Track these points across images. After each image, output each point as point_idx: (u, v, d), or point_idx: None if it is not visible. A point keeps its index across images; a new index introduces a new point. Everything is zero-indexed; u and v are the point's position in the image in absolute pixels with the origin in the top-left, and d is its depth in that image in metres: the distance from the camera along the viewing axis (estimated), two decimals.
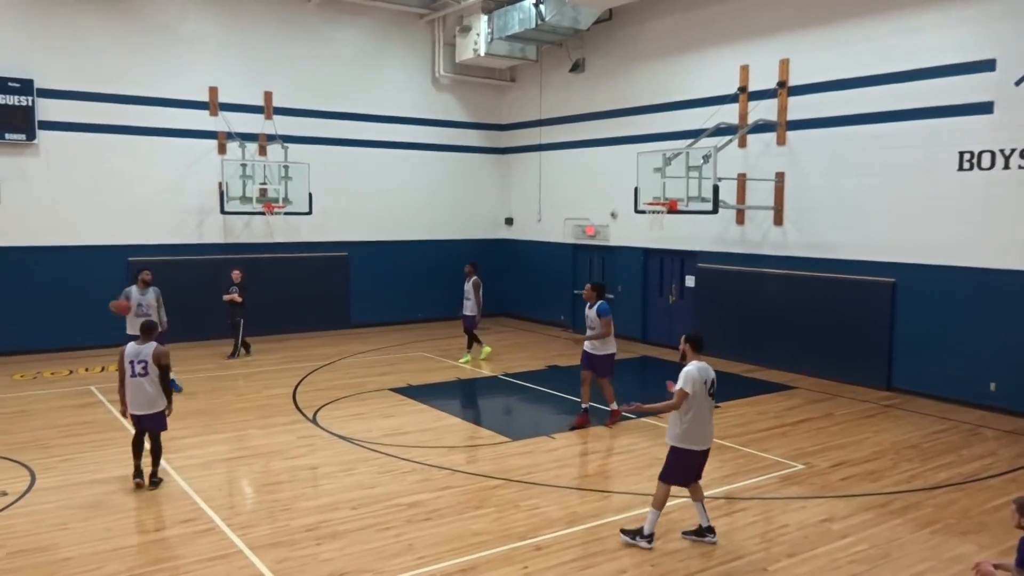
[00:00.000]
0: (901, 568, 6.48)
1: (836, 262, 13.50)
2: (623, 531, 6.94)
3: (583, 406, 10.72)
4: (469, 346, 15.35)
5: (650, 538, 6.76)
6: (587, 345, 10.67)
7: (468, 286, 15.00)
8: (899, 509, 7.78)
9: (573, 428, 10.51)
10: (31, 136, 14.93)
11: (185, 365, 14.35)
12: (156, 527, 7.17)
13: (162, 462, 8.85)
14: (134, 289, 12.00)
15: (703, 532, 6.93)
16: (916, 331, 12.48)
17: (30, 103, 14.85)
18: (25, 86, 14.79)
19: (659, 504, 6.82)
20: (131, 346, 8.14)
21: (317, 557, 6.57)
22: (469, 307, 14.98)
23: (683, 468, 6.85)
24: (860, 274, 13.14)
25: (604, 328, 10.47)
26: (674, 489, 6.91)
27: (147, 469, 8.23)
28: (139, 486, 8.08)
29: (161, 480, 8.23)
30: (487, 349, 15.57)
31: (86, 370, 14.02)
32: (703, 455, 6.89)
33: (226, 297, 14.96)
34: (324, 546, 6.79)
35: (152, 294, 12.02)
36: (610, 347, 10.66)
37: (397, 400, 12.10)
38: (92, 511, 7.55)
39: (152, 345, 8.10)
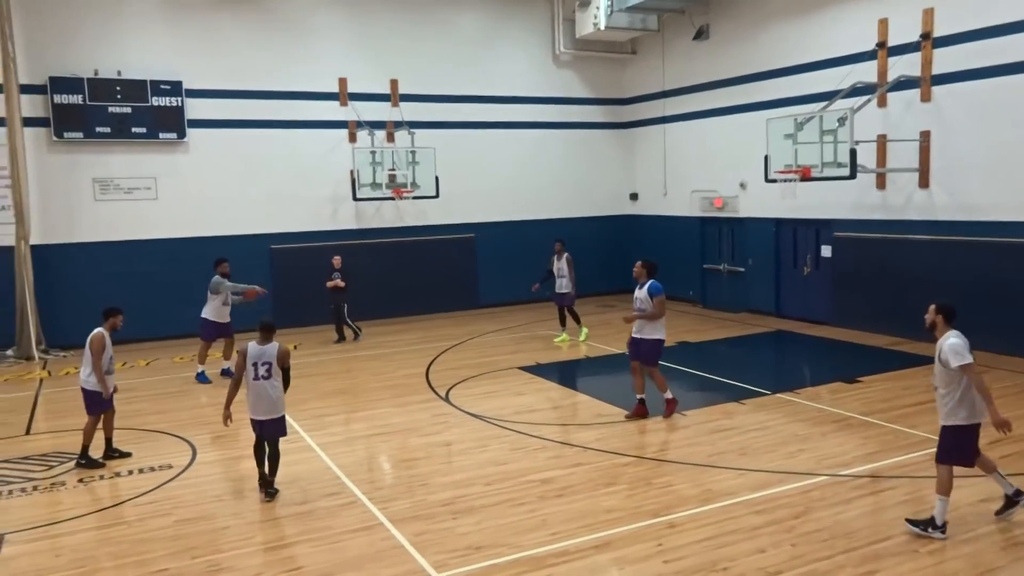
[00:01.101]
0: None
1: (990, 224, 12.54)
2: (909, 521, 6.40)
3: (638, 397, 9.88)
4: (564, 324, 15.09)
5: (943, 528, 6.25)
6: (634, 329, 9.84)
7: (563, 264, 14.71)
8: None
9: (629, 418, 9.83)
10: (182, 134, 16.00)
11: (321, 348, 15.08)
12: (303, 500, 7.58)
13: (307, 438, 9.37)
14: (227, 282, 12.65)
15: (1013, 501, 6.41)
16: None
17: (180, 103, 15.90)
18: (175, 88, 15.85)
19: (947, 490, 6.26)
20: (253, 346, 7.61)
21: (454, 531, 6.77)
22: (564, 284, 14.70)
23: (973, 444, 6.30)
24: (1018, 236, 12.14)
25: (657, 308, 9.61)
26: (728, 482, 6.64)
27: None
28: (268, 495, 7.58)
29: (278, 491, 7.66)
30: (585, 331, 15.04)
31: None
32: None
33: (329, 284, 15.23)
34: (460, 520, 6.98)
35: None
36: (658, 332, 9.73)
37: (527, 378, 12.24)
38: (246, 484, 8.06)
39: (275, 345, 7.62)
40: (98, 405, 8.71)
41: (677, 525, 6.70)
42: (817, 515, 6.81)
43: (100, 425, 8.84)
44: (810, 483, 7.56)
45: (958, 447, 6.29)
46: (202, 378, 12.59)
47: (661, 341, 9.81)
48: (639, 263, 9.96)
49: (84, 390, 8.70)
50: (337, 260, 15.43)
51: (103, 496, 7.89)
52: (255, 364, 7.53)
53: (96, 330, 8.75)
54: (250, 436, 9.12)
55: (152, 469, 8.61)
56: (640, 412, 9.83)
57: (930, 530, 6.28)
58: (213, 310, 12.69)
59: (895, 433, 8.95)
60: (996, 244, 12.45)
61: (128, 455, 8.97)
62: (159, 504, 7.61)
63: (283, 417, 7.73)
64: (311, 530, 6.89)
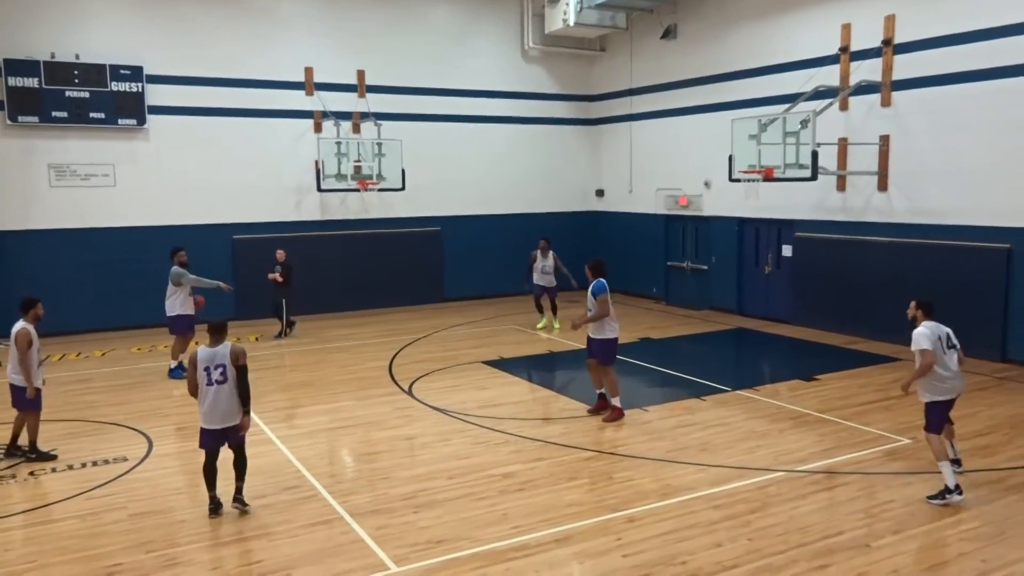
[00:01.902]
0: (1017, 546, 6.18)
1: (946, 228, 12.82)
2: (930, 498, 7.00)
3: (597, 392, 9.94)
4: (541, 311, 15.91)
5: (959, 489, 6.92)
6: (589, 329, 9.78)
7: (549, 262, 15.44)
8: (1015, 485, 7.40)
9: (591, 413, 9.88)
10: (142, 121, 15.70)
11: (287, 339, 14.95)
12: (263, 493, 7.50)
13: (267, 431, 9.29)
14: (188, 274, 12.12)
15: (949, 492, 6.97)
16: None
17: (140, 89, 15.59)
18: (135, 73, 15.53)
19: (943, 455, 7.08)
20: (202, 350, 6.97)
21: (415, 525, 6.75)
22: (549, 280, 15.47)
23: (943, 416, 7.21)
24: (972, 240, 12.44)
25: (600, 308, 9.46)
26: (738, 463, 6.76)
27: (227, 489, 7.12)
28: (219, 512, 6.96)
29: (248, 506, 7.09)
30: (557, 324, 15.52)
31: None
32: (954, 402, 7.28)
33: (270, 276, 14.81)
34: (421, 514, 6.97)
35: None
36: (608, 331, 9.59)
37: (490, 372, 12.25)
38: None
39: (227, 345, 7.03)
40: (27, 401, 8.31)
41: (637, 519, 6.77)
42: (773, 510, 6.92)
43: (25, 421, 8.44)
44: (767, 479, 7.68)
45: (927, 418, 7.24)
46: (176, 373, 12.01)
47: (613, 340, 9.66)
48: (586, 265, 9.89)
49: (12, 386, 8.39)
50: (281, 254, 15.01)
51: (55, 489, 7.72)
52: (207, 369, 6.89)
53: (18, 325, 8.24)
54: None
55: (107, 462, 8.45)
56: (601, 406, 9.89)
57: (947, 496, 6.93)
58: (180, 303, 12.13)
59: (850, 430, 9.13)
60: (951, 247, 12.73)
61: (53, 457, 8.51)
62: (113, 497, 7.48)
63: (236, 429, 7.07)
64: (270, 524, 6.82)
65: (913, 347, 7.16)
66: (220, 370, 6.91)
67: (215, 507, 6.99)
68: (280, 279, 14.87)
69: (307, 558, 6.17)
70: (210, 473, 7.03)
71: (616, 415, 9.63)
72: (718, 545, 6.27)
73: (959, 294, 12.55)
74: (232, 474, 7.14)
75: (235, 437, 7.10)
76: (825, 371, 11.87)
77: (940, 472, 6.99)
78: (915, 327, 7.28)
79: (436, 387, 11.40)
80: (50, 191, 15.30)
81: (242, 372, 7.01)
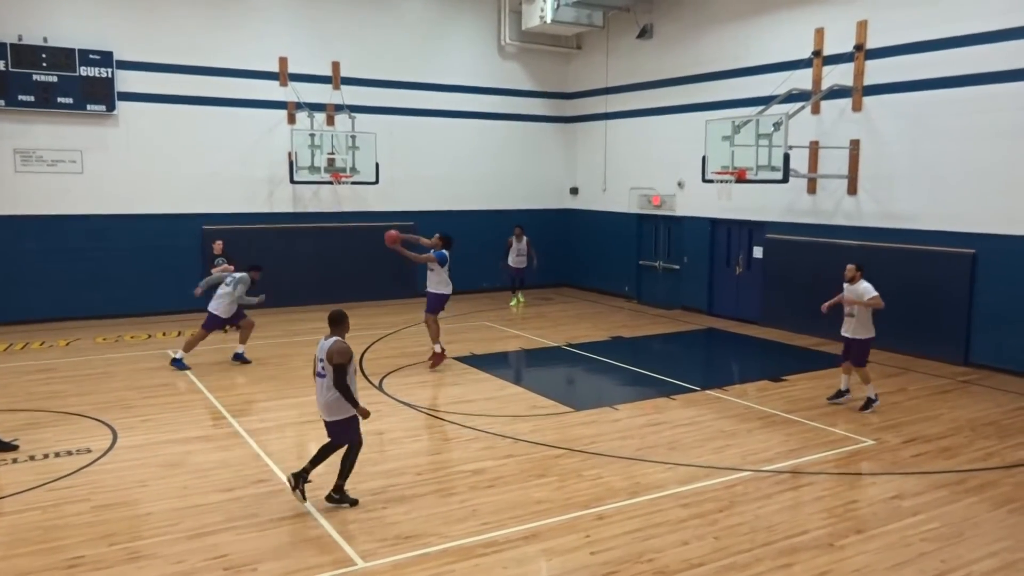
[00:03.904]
0: (976, 547, 6.30)
1: (913, 232, 13.03)
2: (862, 409, 9.90)
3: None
4: (514, 291, 18.16)
5: (876, 397, 10.02)
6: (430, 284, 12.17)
7: (523, 245, 17.88)
8: (975, 487, 7.54)
9: (432, 367, 11.96)
10: (111, 107, 15.43)
11: (256, 332, 14.76)
12: (230, 487, 7.43)
13: (235, 424, 9.20)
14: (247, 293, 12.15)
15: (842, 393, 10.24)
16: (996, 304, 12.00)
17: (110, 75, 15.33)
18: (105, 58, 15.26)
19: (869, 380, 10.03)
20: (321, 341, 6.99)
21: (383, 520, 6.73)
22: (523, 261, 17.93)
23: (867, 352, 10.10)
24: (938, 245, 12.66)
25: (428, 263, 12.00)
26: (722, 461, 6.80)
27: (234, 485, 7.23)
28: (295, 489, 6.84)
29: (341, 503, 6.95)
30: (522, 301, 18.02)
31: (163, 334, 14.55)
32: None
33: (216, 271, 14.15)
34: (390, 510, 6.94)
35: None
36: (443, 288, 12.12)
37: (461, 369, 12.23)
38: (170, 470, 7.87)
39: (332, 340, 6.87)
40: None
41: (605, 517, 6.80)
42: (740, 509, 7.00)
43: None
44: (735, 478, 7.76)
45: (863, 353, 10.03)
46: (180, 365, 11.89)
47: (444, 296, 12.15)
48: (438, 235, 12.30)
49: None
50: (218, 245, 14.67)
51: (15, 480, 7.57)
52: (317, 359, 6.90)
53: None
54: (174, 419, 8.91)
55: (69, 453, 8.31)
56: (437, 360, 12.06)
57: (873, 406, 9.90)
58: (224, 307, 12.06)
59: (816, 431, 9.25)
60: (918, 251, 12.94)
61: (15, 447, 8.35)
62: (76, 489, 7.37)
63: (345, 421, 6.82)
64: (237, 518, 6.75)
65: (868, 295, 9.77)
66: (322, 364, 6.84)
67: (295, 484, 6.79)
68: (231, 268, 14.28)
69: (274, 552, 6.12)
70: (321, 450, 6.96)
71: (437, 360, 12.08)
72: (685, 543, 6.32)
73: (924, 298, 12.78)
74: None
75: (335, 434, 6.92)
76: (793, 372, 12.02)
77: (901, 473, 7.06)
78: (853, 284, 9.94)
79: (407, 382, 11.36)
80: (15, 176, 14.99)
81: (337, 371, 6.68)
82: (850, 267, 10.08)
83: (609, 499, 7.19)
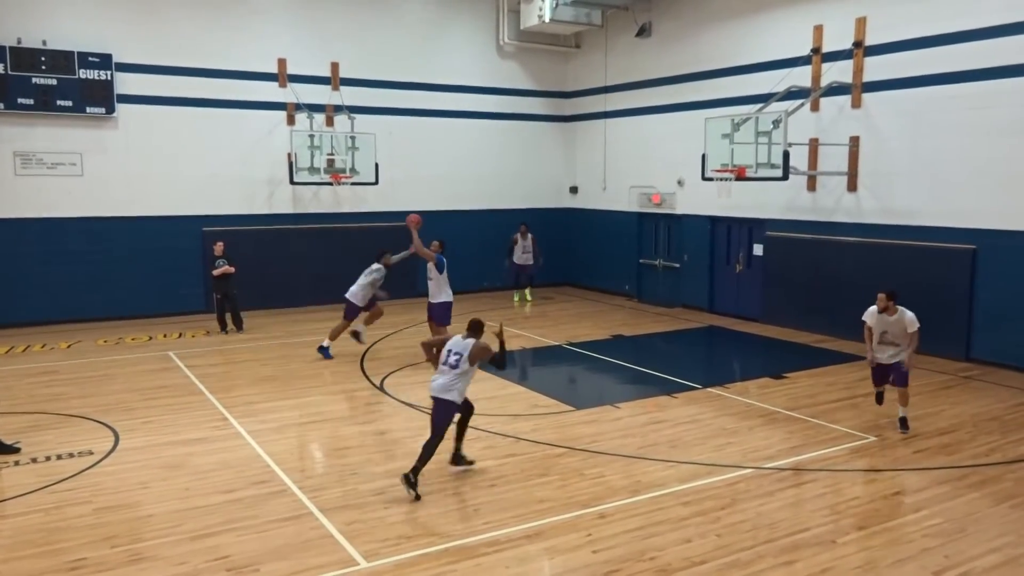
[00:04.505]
0: (978, 543, 6.30)
1: (913, 229, 13.03)
2: (900, 428, 9.02)
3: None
4: (518, 288, 18.58)
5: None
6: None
7: (528, 243, 18.11)
8: (976, 483, 7.54)
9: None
10: (110, 109, 15.44)
11: (257, 333, 14.80)
12: (231, 488, 7.43)
13: (237, 425, 9.21)
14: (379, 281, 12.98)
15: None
16: (997, 300, 12.00)
17: (109, 77, 15.33)
18: (104, 61, 15.26)
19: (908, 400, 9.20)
20: (456, 339, 7.71)
21: (385, 520, 6.73)
22: (528, 258, 18.20)
23: None
24: (939, 241, 12.65)
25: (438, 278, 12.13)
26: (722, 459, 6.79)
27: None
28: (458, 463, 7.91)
29: (468, 464, 7.90)
30: (529, 299, 18.37)
31: (164, 336, 14.56)
32: None
33: (216, 272, 14.40)
34: (392, 510, 6.94)
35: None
36: (445, 296, 12.18)
37: None
38: (171, 471, 7.87)
39: (472, 342, 7.59)
40: None
41: (607, 515, 6.80)
42: (742, 506, 6.99)
43: None
44: (736, 475, 7.76)
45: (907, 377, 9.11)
46: (326, 353, 12.73)
47: (447, 304, 12.28)
48: (436, 241, 12.41)
49: None
50: (219, 247, 14.66)
51: (17, 483, 7.58)
52: (449, 351, 7.65)
53: None
54: (174, 421, 8.91)
55: (71, 455, 8.32)
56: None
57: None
58: (360, 296, 12.83)
59: (817, 428, 9.24)
60: (918, 247, 12.93)
61: (17, 450, 8.36)
62: (78, 491, 7.37)
63: (452, 405, 7.55)
64: (238, 519, 6.76)
65: (912, 328, 8.88)
66: (456, 358, 7.59)
67: (457, 460, 7.91)
68: (231, 270, 14.52)
69: (276, 553, 6.12)
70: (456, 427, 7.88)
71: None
72: (687, 541, 6.32)
73: (925, 294, 12.72)
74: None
75: (440, 418, 7.58)
76: (794, 369, 12.01)
77: (903, 469, 7.05)
78: (888, 314, 8.93)
79: (408, 382, 11.36)
80: (15, 179, 15.00)
81: (483, 359, 7.65)
82: (881, 296, 8.89)
83: (611, 497, 7.19)
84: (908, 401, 9.13)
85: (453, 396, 7.53)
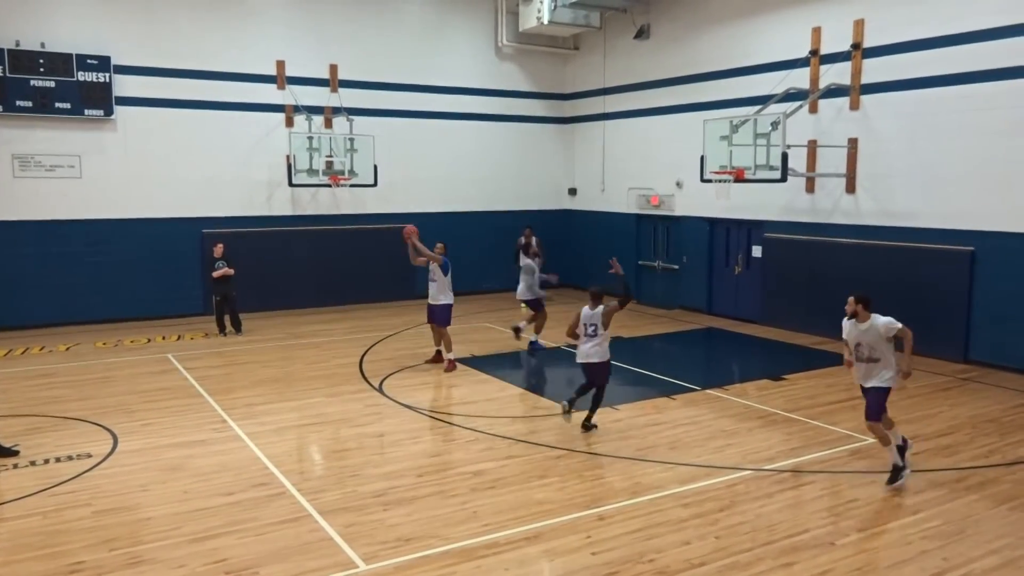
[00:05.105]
0: (977, 545, 6.31)
1: (911, 230, 13.04)
2: (889, 484, 7.39)
3: (436, 348, 12.47)
4: None
5: (904, 466, 7.41)
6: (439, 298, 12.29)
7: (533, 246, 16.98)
8: (975, 485, 7.55)
9: (428, 361, 12.44)
10: (109, 112, 15.43)
11: (256, 335, 14.80)
12: (230, 490, 7.43)
13: (236, 428, 9.22)
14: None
15: (899, 469, 7.46)
16: (995, 301, 12.01)
17: (108, 79, 15.33)
18: (103, 63, 15.26)
19: (889, 440, 7.45)
20: (585, 311, 9.19)
21: (384, 523, 6.73)
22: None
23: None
24: (937, 243, 12.67)
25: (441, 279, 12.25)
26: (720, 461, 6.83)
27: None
28: (585, 428, 9.14)
29: (594, 427, 9.17)
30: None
31: (163, 338, 14.55)
32: None
33: (216, 274, 14.43)
34: (391, 512, 6.94)
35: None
36: (443, 299, 12.23)
37: (461, 370, 12.22)
38: (171, 474, 7.87)
39: (600, 309, 9.13)
40: None
41: (606, 517, 6.80)
42: (741, 508, 7.00)
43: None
44: (735, 477, 7.76)
45: (881, 405, 7.46)
46: (538, 346, 13.49)
47: (448, 306, 12.30)
48: (440, 244, 12.48)
49: None
50: (219, 248, 14.64)
51: (16, 486, 7.57)
52: (585, 324, 9.12)
53: None
54: (174, 423, 8.97)
55: (70, 458, 8.31)
56: (436, 359, 12.44)
57: (902, 476, 7.39)
58: (523, 291, 13.82)
59: (816, 429, 9.25)
60: (916, 249, 12.95)
61: (15, 453, 8.36)
62: (77, 494, 7.36)
63: (607, 363, 9.12)
64: (237, 521, 6.75)
65: (890, 332, 7.32)
66: (593, 328, 9.08)
67: (568, 410, 9.02)
68: (231, 272, 14.55)
69: (275, 556, 6.12)
70: (582, 391, 9.17)
71: (451, 367, 12.11)
72: (686, 543, 6.32)
73: (923, 295, 12.79)
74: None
75: (598, 375, 9.11)
76: (793, 371, 12.01)
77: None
78: (859, 320, 7.45)
79: (407, 384, 11.36)
80: (14, 182, 14.99)
81: (613, 314, 9.16)
82: (850, 300, 7.53)
83: (610, 499, 7.19)
84: (886, 441, 7.44)
85: (603, 356, 9.04)
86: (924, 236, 12.86)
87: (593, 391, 9.17)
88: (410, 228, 12.26)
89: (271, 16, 16.99)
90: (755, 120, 13.35)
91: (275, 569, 5.91)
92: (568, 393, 10.11)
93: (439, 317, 12.24)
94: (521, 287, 13.84)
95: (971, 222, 12.22)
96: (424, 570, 5.91)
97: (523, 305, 14.49)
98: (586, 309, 9.18)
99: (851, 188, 13.96)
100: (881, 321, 7.38)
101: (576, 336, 9.29)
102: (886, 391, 7.44)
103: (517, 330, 14.13)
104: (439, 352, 12.43)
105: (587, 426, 9.13)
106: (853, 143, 13.82)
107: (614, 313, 9.13)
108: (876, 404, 7.39)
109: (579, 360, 9.18)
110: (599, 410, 9.28)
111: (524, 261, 14.08)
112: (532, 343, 13.66)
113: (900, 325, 7.33)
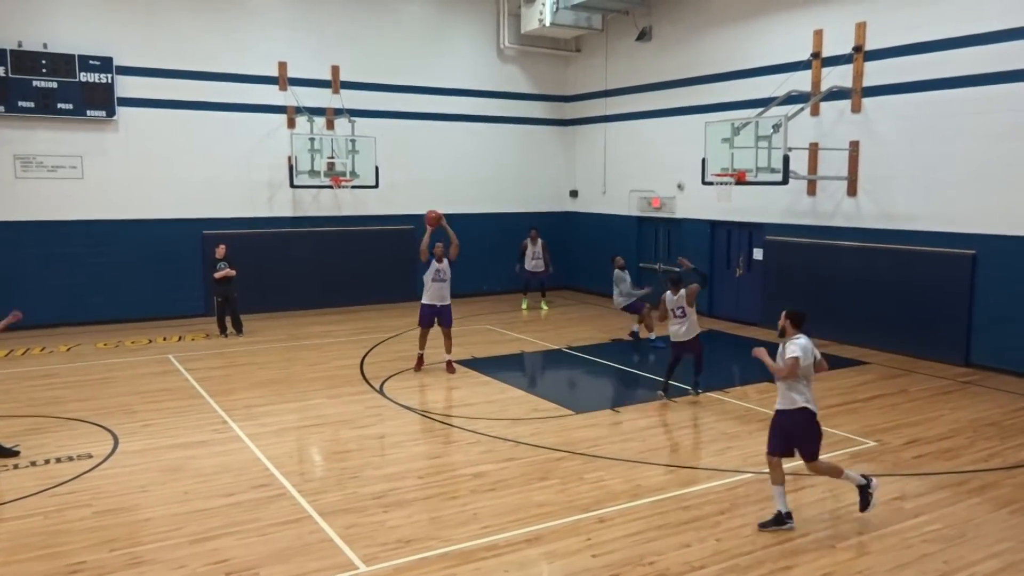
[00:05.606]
0: (978, 548, 6.30)
1: (913, 233, 13.03)
2: (761, 525, 6.58)
3: (420, 352, 12.24)
4: (526, 293, 18.30)
5: (789, 515, 6.57)
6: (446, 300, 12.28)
7: (538, 248, 17.79)
8: (976, 488, 7.54)
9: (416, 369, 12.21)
10: (111, 113, 15.45)
11: (257, 336, 14.80)
12: (231, 491, 7.43)
13: (236, 429, 9.22)
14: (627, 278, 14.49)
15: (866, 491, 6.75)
16: (997, 305, 12.00)
17: (110, 80, 15.34)
18: (105, 64, 15.27)
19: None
20: (668, 296, 10.49)
21: (384, 524, 6.72)
22: (539, 264, 17.90)
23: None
24: (938, 246, 12.66)
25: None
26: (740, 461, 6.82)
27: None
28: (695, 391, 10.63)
29: (700, 391, 10.66)
30: (528, 303, 18.16)
31: (164, 339, 14.55)
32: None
33: (218, 275, 14.47)
34: (391, 514, 6.94)
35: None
36: (447, 299, 12.26)
37: (462, 372, 12.23)
38: (171, 475, 7.87)
39: (682, 292, 10.39)
40: None
41: (607, 520, 6.79)
42: (741, 511, 6.99)
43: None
44: (736, 480, 7.76)
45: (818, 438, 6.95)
46: (658, 343, 13.76)
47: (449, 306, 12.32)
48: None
49: None
50: (221, 249, 14.65)
51: (17, 486, 7.58)
52: (672, 309, 10.42)
53: None
54: (175, 424, 8.99)
55: (71, 458, 8.32)
56: (420, 365, 12.24)
57: (786, 524, 6.54)
58: (618, 302, 14.49)
59: None
60: (918, 252, 12.94)
61: (16, 453, 8.37)
62: (77, 494, 7.37)
63: (698, 337, 10.56)
64: (238, 522, 6.75)
65: (784, 354, 6.82)
66: (680, 310, 10.39)
67: (665, 387, 10.61)
68: (232, 273, 14.55)
69: (275, 557, 6.12)
70: (672, 367, 10.67)
71: (450, 368, 12.17)
72: (687, 546, 6.32)
73: (925, 298, 12.78)
74: None
75: (695, 350, 10.60)
76: None
77: (903, 474, 7.04)
78: (786, 335, 6.99)
79: (407, 386, 11.36)
80: (16, 182, 15.01)
81: (695, 294, 10.49)
82: (781, 315, 7.15)
83: (610, 502, 7.19)
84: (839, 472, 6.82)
85: (691, 333, 10.43)
86: (925, 239, 12.85)
87: (678, 366, 10.60)
88: (436, 213, 12.02)
89: (273, 17, 17.00)
90: (756, 123, 13.34)
91: (275, 570, 5.91)
92: (573, 395, 10.16)
93: (449, 318, 12.16)
94: (617, 298, 14.45)
95: (972, 225, 12.21)
96: (424, 572, 5.91)
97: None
98: (668, 294, 10.43)
99: (852, 191, 13.96)
100: (791, 346, 6.80)
101: (663, 319, 10.64)
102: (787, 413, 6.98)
103: (634, 334, 14.60)
104: (423, 356, 12.18)
105: (696, 386, 10.63)
106: (854, 146, 13.81)
107: (696, 293, 10.36)
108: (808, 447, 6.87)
109: (673, 340, 10.54)
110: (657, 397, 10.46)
111: (615, 273, 14.57)
112: (651, 341, 14.16)
113: (788, 360, 6.77)
